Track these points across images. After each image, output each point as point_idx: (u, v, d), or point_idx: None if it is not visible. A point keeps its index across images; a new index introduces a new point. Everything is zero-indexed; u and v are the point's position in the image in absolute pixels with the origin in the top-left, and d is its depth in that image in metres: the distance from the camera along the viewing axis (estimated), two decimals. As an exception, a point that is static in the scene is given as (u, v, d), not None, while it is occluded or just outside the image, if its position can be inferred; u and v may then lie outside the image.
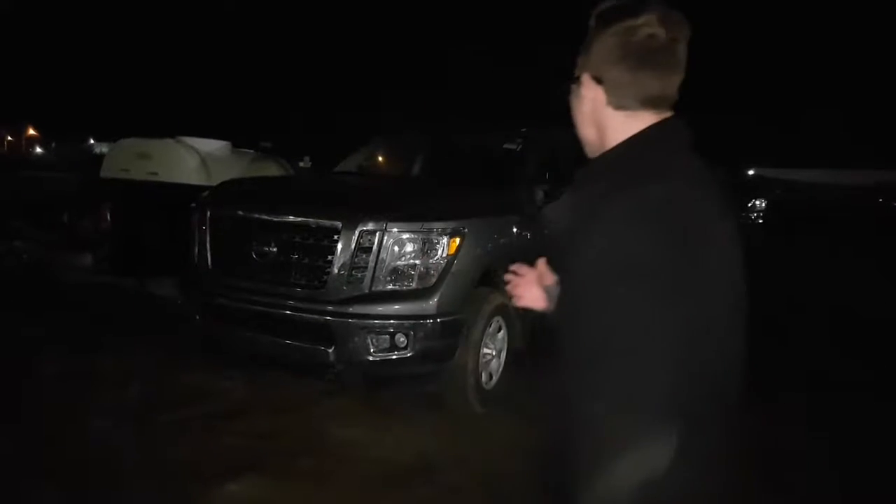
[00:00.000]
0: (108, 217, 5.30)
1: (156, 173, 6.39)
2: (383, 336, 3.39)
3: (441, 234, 3.49)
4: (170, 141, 6.74)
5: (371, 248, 3.44)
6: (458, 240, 3.53)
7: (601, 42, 1.04)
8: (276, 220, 3.66)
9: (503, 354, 4.10)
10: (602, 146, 1.08)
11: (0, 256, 5.56)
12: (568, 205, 1.08)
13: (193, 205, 4.09)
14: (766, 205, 18.23)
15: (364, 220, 3.45)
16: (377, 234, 3.44)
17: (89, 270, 5.26)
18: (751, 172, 23.79)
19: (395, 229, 3.45)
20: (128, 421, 3.47)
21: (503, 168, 4.71)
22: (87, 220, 5.39)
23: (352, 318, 3.39)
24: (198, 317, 3.91)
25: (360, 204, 3.65)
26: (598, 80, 1.06)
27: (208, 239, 3.90)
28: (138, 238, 5.40)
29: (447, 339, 3.52)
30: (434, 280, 3.48)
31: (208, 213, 3.92)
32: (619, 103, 1.05)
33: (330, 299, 3.46)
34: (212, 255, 3.89)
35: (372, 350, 3.38)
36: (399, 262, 3.46)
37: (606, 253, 0.92)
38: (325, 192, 4.22)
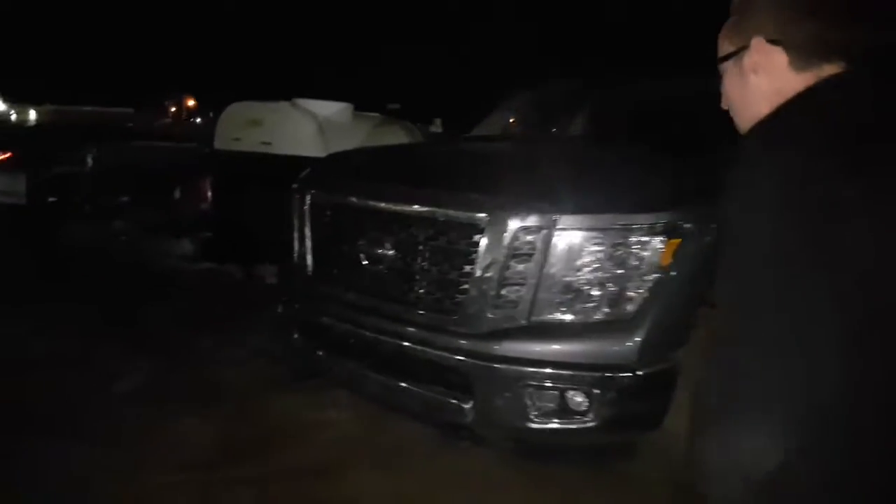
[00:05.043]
0: (209, 195, 4.51)
1: (269, 143, 5.54)
2: (550, 393, 2.18)
3: (649, 232, 2.17)
4: (283, 104, 5.87)
5: (532, 254, 2.20)
6: (677, 241, 2.18)
7: None
8: (390, 209, 2.54)
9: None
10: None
11: (98, 238, 4.95)
12: None
13: (294, 186, 3.10)
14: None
15: (522, 212, 2.22)
16: (542, 232, 2.19)
17: (189, 256, 4.52)
18: None
19: (572, 225, 2.19)
20: (184, 474, 2.54)
21: (708, 129, 3.26)
22: (187, 199, 4.66)
23: (499, 364, 2.21)
24: (295, 335, 2.93)
25: (514, 185, 2.40)
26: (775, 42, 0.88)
27: (308, 233, 2.90)
28: (242, 219, 4.58)
29: (654, 399, 2.22)
30: (636, 307, 2.16)
31: (307, 199, 2.90)
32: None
33: (466, 331, 2.29)
34: (312, 254, 2.87)
35: (532, 414, 2.18)
36: (577, 278, 2.20)
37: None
38: (460, 167, 2.97)
